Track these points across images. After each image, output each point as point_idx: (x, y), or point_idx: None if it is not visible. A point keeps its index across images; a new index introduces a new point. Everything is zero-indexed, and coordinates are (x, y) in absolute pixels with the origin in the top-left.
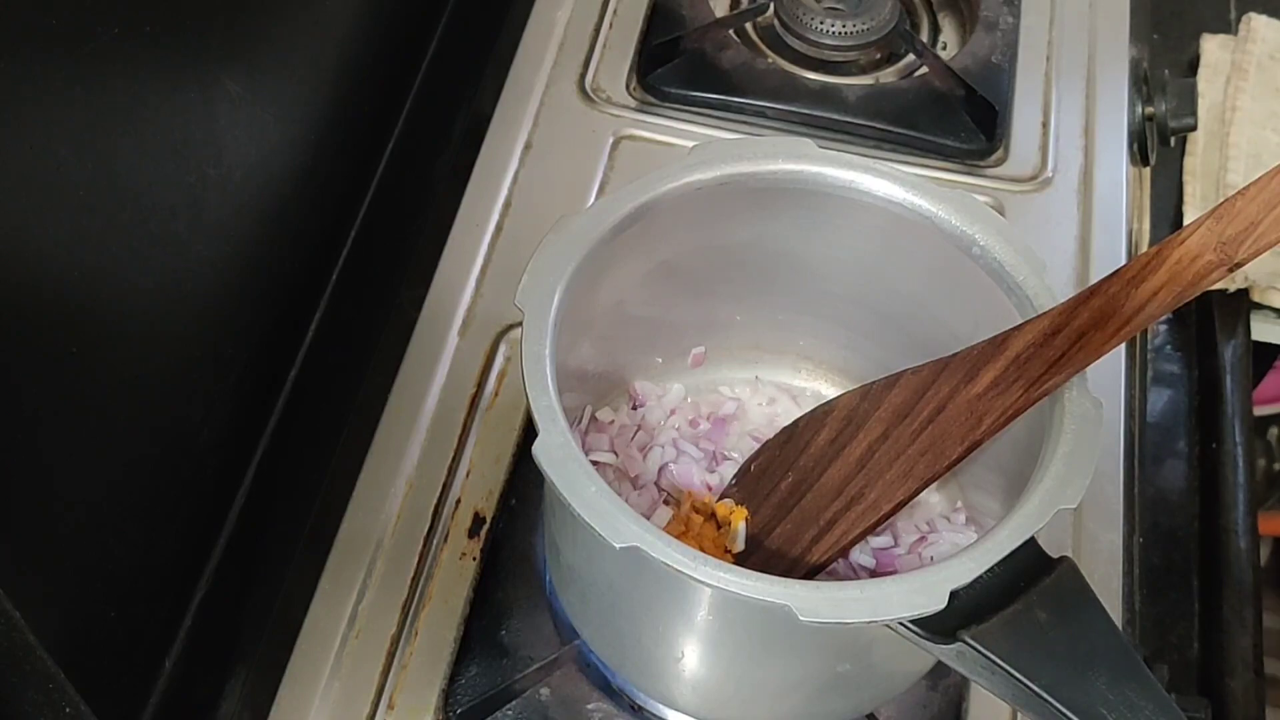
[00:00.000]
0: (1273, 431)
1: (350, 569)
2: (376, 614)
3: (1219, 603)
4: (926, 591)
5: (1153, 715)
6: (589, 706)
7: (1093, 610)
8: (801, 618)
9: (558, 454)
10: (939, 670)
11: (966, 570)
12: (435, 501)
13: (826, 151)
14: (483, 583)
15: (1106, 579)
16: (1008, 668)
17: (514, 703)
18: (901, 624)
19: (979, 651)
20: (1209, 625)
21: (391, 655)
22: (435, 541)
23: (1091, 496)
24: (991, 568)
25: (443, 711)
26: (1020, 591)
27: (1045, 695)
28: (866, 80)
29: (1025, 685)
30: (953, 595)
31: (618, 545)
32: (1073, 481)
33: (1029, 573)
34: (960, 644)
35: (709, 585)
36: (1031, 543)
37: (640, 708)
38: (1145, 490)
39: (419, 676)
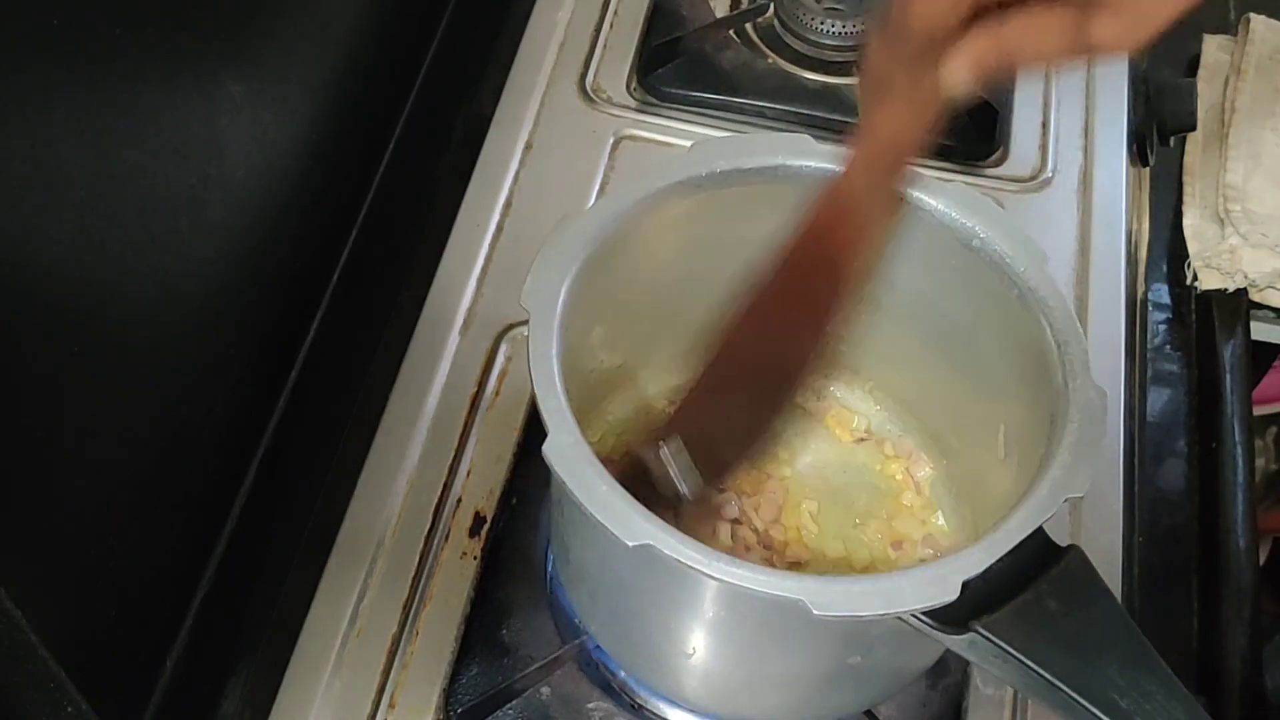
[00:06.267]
0: (1272, 431)
1: (351, 568)
2: (377, 613)
3: (1218, 602)
4: (938, 583)
5: (1164, 700)
6: (589, 705)
7: (1102, 598)
8: (815, 611)
9: (568, 454)
10: (939, 669)
11: (977, 561)
12: (436, 501)
13: (825, 147)
14: (483, 582)
15: (1106, 578)
16: (1019, 656)
17: (515, 702)
18: (914, 616)
19: (991, 641)
20: (1208, 624)
21: (392, 654)
22: (436, 541)
23: (1091, 496)
24: (1001, 558)
25: (444, 710)
26: (1030, 581)
27: (1057, 683)
28: None
29: (1037, 673)
30: (964, 586)
31: (630, 543)
32: (1080, 470)
33: (1038, 562)
34: (972, 634)
35: (722, 581)
36: (1040, 532)
37: (641, 706)
38: (1145, 490)
39: (420, 675)
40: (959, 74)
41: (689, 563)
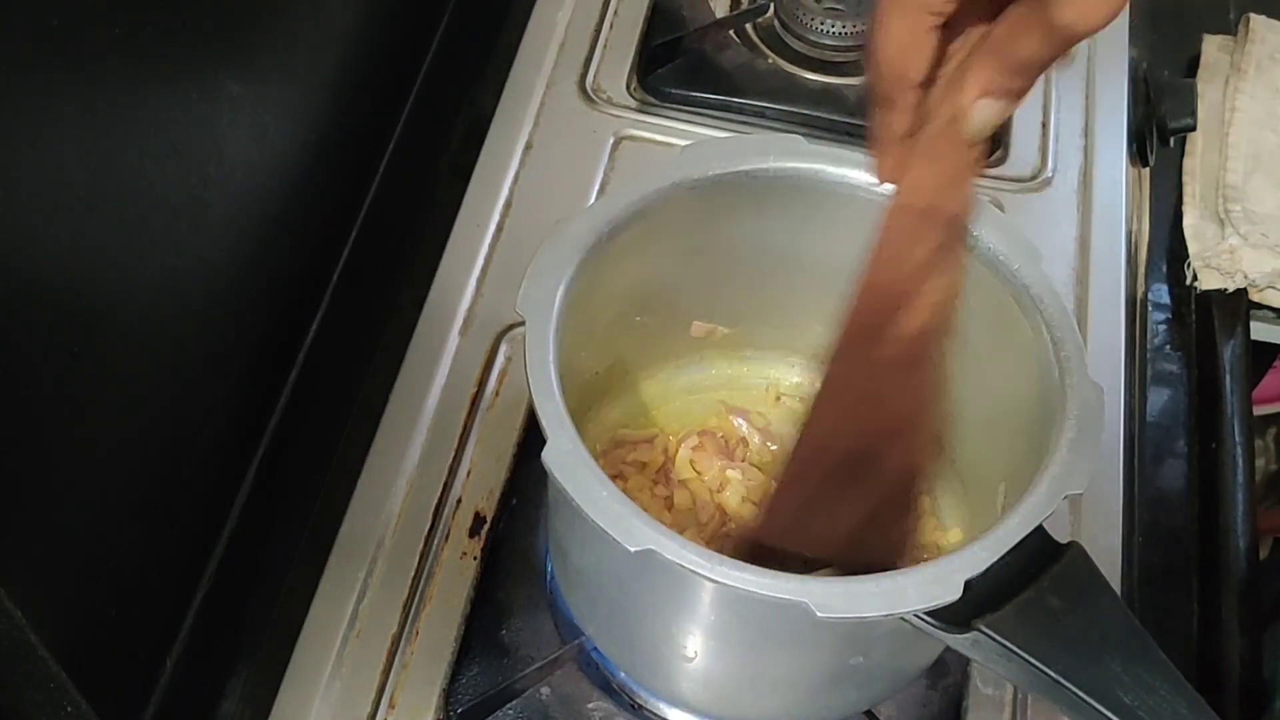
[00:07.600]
0: (1272, 431)
1: (351, 568)
2: (377, 613)
3: (1218, 601)
4: (941, 582)
5: (1168, 695)
6: (589, 706)
7: (1104, 594)
8: (819, 614)
9: (568, 459)
10: (939, 669)
11: (979, 559)
12: (436, 501)
13: (817, 147)
14: (483, 582)
15: (1106, 578)
16: (1023, 654)
17: (515, 702)
18: (917, 616)
19: (994, 640)
20: (1208, 624)
21: (392, 654)
22: (436, 541)
23: (1091, 496)
24: (1002, 556)
25: (444, 710)
26: (1032, 578)
27: (1061, 680)
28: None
29: (1041, 671)
30: (966, 585)
31: (632, 549)
32: (1079, 467)
33: (1039, 560)
34: (975, 633)
35: (725, 585)
36: (1040, 530)
37: (641, 706)
38: (1145, 490)
39: (420, 675)
40: (980, 111)
41: (691, 567)
